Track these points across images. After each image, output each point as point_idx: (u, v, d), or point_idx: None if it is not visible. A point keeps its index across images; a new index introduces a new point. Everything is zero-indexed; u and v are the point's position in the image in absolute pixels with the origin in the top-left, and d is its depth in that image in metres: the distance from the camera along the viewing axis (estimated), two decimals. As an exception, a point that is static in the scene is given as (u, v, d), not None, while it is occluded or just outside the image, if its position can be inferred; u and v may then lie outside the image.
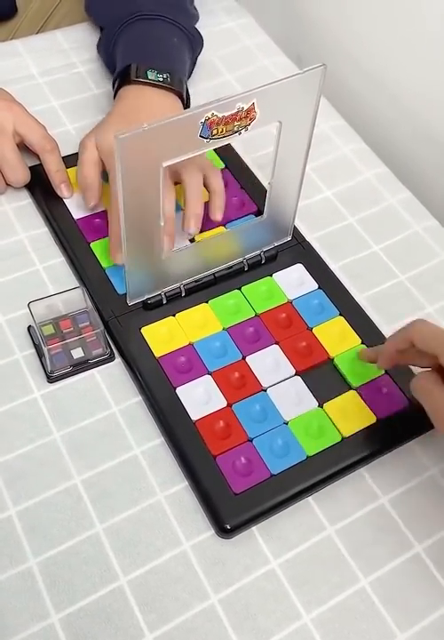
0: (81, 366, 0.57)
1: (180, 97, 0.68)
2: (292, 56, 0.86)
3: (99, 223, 0.65)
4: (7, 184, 0.67)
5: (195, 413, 0.54)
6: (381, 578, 0.49)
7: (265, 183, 0.65)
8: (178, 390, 0.55)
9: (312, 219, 0.69)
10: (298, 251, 0.65)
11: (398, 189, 0.73)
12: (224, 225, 0.65)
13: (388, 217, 0.71)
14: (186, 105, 0.70)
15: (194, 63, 0.78)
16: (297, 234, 0.65)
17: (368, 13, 0.85)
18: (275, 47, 0.86)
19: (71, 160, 0.67)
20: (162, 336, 0.58)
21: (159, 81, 0.66)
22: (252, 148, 0.73)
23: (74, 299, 0.59)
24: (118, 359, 0.58)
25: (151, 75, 0.66)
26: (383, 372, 0.56)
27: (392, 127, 0.86)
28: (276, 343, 0.58)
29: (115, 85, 0.69)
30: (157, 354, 0.57)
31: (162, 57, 0.69)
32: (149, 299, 0.59)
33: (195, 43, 0.75)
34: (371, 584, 0.49)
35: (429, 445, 0.55)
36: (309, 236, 0.67)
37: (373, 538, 0.51)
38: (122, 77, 0.68)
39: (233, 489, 0.50)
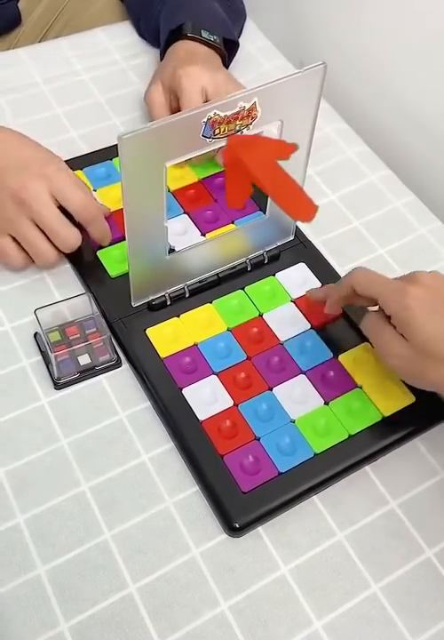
0: (88, 373, 0.56)
1: (223, 58, 0.76)
2: (294, 61, 0.86)
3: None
4: (59, 251, 0.61)
5: (202, 413, 0.53)
6: (392, 583, 0.49)
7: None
8: (184, 391, 0.55)
9: (317, 223, 0.67)
10: (301, 250, 0.65)
11: (402, 192, 0.73)
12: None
13: (393, 220, 0.70)
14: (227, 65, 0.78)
15: (241, 29, 0.87)
16: (299, 233, 0.65)
17: (371, 17, 0.85)
18: (277, 52, 0.86)
19: (76, 163, 0.68)
20: (166, 337, 0.58)
21: (211, 40, 0.74)
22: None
23: (80, 305, 0.58)
24: (125, 365, 0.57)
25: (205, 34, 0.74)
26: (388, 371, 0.56)
27: (395, 130, 0.86)
28: (280, 343, 0.58)
29: (163, 45, 0.76)
30: (162, 355, 0.56)
31: (214, 23, 0.77)
32: (153, 300, 0.59)
33: (239, 14, 0.85)
34: (382, 590, 0.48)
35: (439, 448, 0.55)
36: (314, 240, 0.67)
37: (383, 543, 0.50)
38: (173, 34, 0.75)
39: (242, 487, 0.50)
